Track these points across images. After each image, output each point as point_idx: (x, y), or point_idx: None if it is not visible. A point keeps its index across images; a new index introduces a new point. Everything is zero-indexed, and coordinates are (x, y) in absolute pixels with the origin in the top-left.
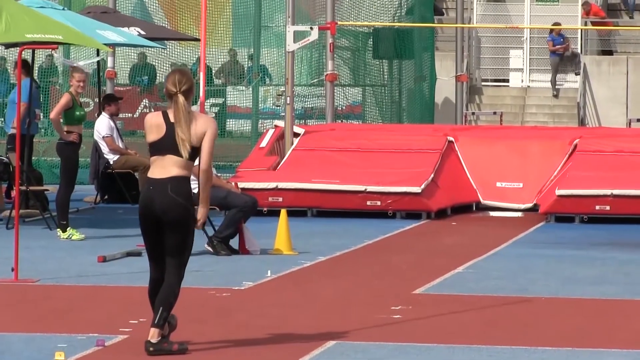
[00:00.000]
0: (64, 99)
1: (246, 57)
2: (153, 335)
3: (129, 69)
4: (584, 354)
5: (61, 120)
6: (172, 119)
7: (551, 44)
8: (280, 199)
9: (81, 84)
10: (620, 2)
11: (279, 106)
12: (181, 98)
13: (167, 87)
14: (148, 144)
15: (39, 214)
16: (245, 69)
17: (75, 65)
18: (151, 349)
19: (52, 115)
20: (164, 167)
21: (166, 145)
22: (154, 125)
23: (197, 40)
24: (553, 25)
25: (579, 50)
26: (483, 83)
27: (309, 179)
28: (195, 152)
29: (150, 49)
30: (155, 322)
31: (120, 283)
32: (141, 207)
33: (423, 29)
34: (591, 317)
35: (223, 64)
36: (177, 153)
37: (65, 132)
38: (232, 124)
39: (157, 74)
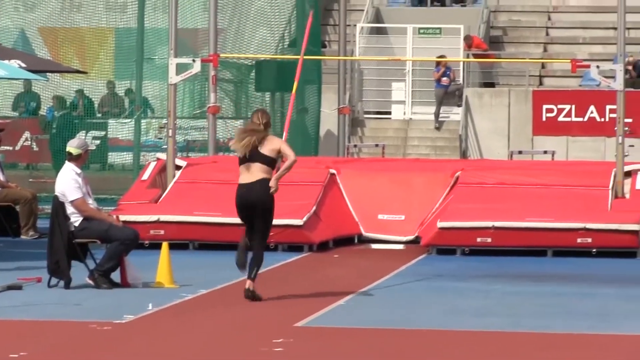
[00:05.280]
0: None
1: (124, 89)
2: (250, 285)
3: (10, 101)
4: None
5: None
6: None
7: (437, 74)
8: (162, 232)
9: None
10: (503, 35)
11: (161, 139)
12: (262, 127)
13: (252, 121)
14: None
15: None
16: (125, 101)
17: None
18: (250, 294)
19: None
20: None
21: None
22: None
23: (79, 72)
24: (438, 57)
25: (462, 82)
26: (365, 115)
27: (191, 212)
28: (272, 161)
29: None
30: (252, 276)
31: (2, 317)
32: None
33: (307, 61)
34: (474, 349)
35: (102, 97)
36: (260, 160)
37: None
38: (113, 157)
39: (42, 104)
